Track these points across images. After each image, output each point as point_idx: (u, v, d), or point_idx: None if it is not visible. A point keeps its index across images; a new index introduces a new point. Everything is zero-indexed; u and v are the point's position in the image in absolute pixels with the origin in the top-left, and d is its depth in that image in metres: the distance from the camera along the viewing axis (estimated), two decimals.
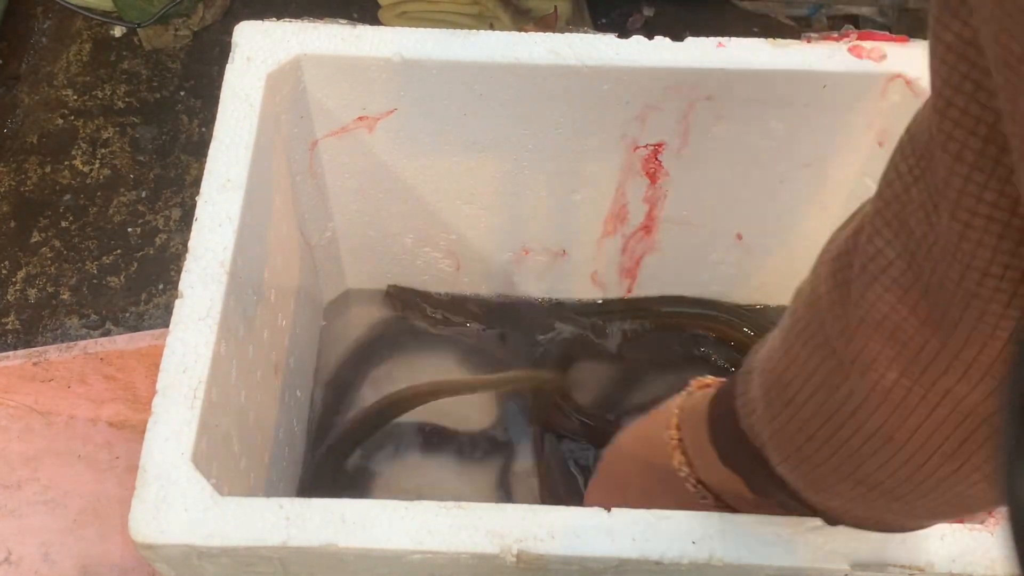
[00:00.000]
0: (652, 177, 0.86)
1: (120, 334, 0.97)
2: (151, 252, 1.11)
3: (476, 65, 0.75)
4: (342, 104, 0.79)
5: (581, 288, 0.99)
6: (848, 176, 0.84)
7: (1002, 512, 0.49)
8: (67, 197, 1.14)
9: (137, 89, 1.23)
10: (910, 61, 0.75)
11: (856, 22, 1.23)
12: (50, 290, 1.08)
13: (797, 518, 0.57)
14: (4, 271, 1.09)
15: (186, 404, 0.60)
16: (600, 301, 0.99)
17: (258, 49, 0.74)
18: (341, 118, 0.81)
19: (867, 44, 0.75)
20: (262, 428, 0.76)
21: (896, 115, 0.77)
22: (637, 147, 0.83)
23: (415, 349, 0.98)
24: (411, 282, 1.00)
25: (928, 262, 0.34)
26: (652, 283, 0.98)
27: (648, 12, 1.24)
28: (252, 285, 0.71)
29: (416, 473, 0.91)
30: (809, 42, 0.76)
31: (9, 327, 1.06)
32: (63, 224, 1.12)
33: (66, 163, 1.17)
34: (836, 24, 1.23)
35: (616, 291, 0.99)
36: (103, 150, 1.18)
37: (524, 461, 0.91)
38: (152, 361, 0.84)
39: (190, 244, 0.66)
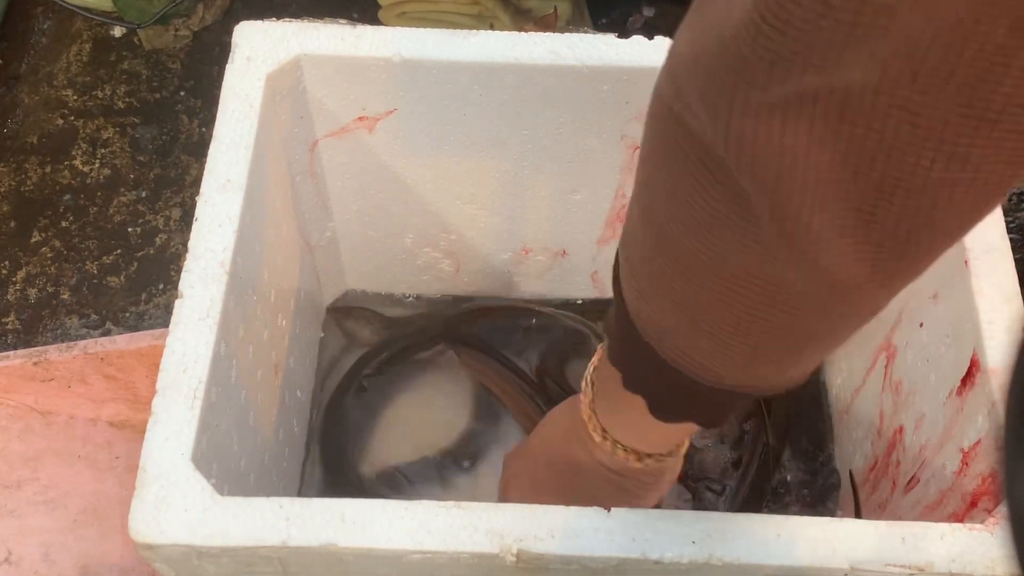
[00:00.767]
0: None
1: (120, 334, 0.97)
2: (151, 252, 1.11)
3: (476, 65, 0.75)
4: (342, 104, 0.79)
5: (581, 288, 0.99)
6: None
7: (1002, 512, 0.49)
8: (67, 197, 1.14)
9: (137, 89, 1.23)
10: None
11: None
12: (50, 290, 1.08)
13: (797, 518, 0.57)
14: (4, 271, 1.09)
15: (186, 404, 0.60)
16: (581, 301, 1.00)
17: (258, 49, 0.74)
18: (341, 118, 0.81)
19: None
20: (262, 428, 0.76)
21: None
22: (637, 147, 0.83)
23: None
24: (411, 282, 0.99)
25: None
26: None
27: (648, 12, 1.24)
28: (252, 285, 0.71)
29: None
30: None
31: (9, 327, 1.06)
32: (63, 224, 1.12)
33: (66, 163, 1.17)
34: None
35: None
36: (103, 150, 1.18)
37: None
38: (152, 361, 0.84)
39: (190, 244, 0.66)
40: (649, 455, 0.57)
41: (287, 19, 0.76)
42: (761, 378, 0.44)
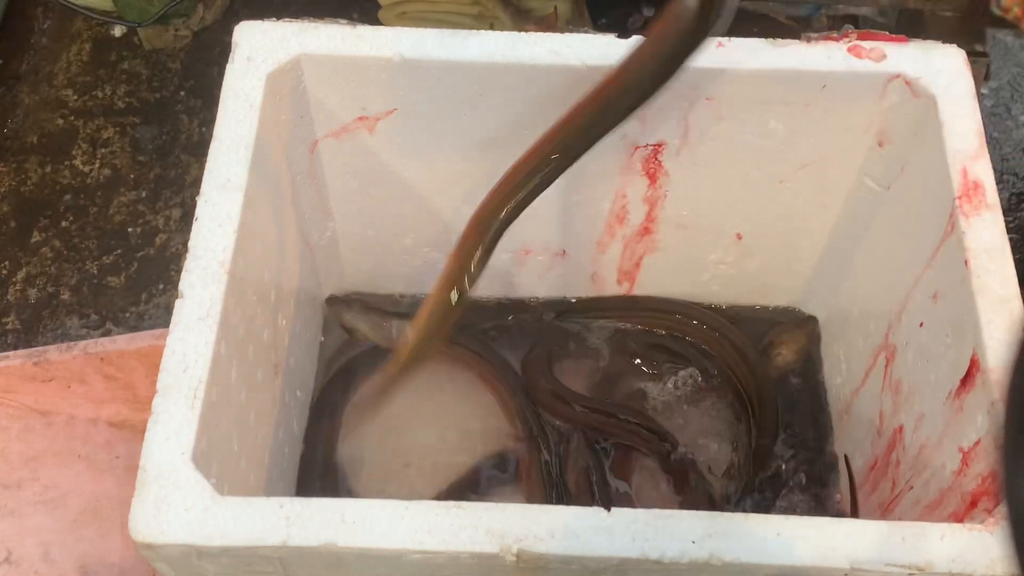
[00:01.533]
0: (652, 177, 0.86)
1: (120, 334, 0.97)
2: (151, 252, 1.11)
3: (476, 65, 0.75)
4: (342, 104, 0.79)
5: (581, 288, 0.98)
6: (848, 176, 0.84)
7: (1002, 512, 0.49)
8: (67, 197, 1.14)
9: (137, 89, 1.23)
10: (910, 61, 0.75)
11: (856, 22, 1.22)
12: (50, 290, 1.08)
13: (797, 518, 0.57)
14: (4, 271, 1.09)
15: (186, 404, 0.60)
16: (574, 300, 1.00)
17: (258, 49, 0.74)
18: (341, 118, 0.81)
19: (867, 44, 0.75)
20: (262, 428, 0.76)
21: (896, 115, 0.77)
22: (637, 147, 0.83)
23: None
24: (411, 282, 0.99)
25: None
26: (652, 283, 0.98)
27: (648, 12, 1.24)
28: (252, 285, 0.71)
29: None
30: (809, 42, 0.75)
31: (9, 327, 1.06)
32: (63, 224, 1.12)
33: (66, 163, 1.17)
34: (836, 24, 1.22)
35: (616, 291, 0.99)
36: (103, 150, 1.18)
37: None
38: (152, 361, 0.84)
39: (190, 244, 0.66)
40: None
41: (287, 19, 0.76)
42: None
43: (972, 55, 0.80)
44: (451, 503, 0.57)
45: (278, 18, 0.76)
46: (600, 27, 1.22)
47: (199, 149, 1.17)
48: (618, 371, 0.96)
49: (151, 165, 1.16)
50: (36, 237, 1.11)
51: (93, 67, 1.24)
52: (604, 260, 0.95)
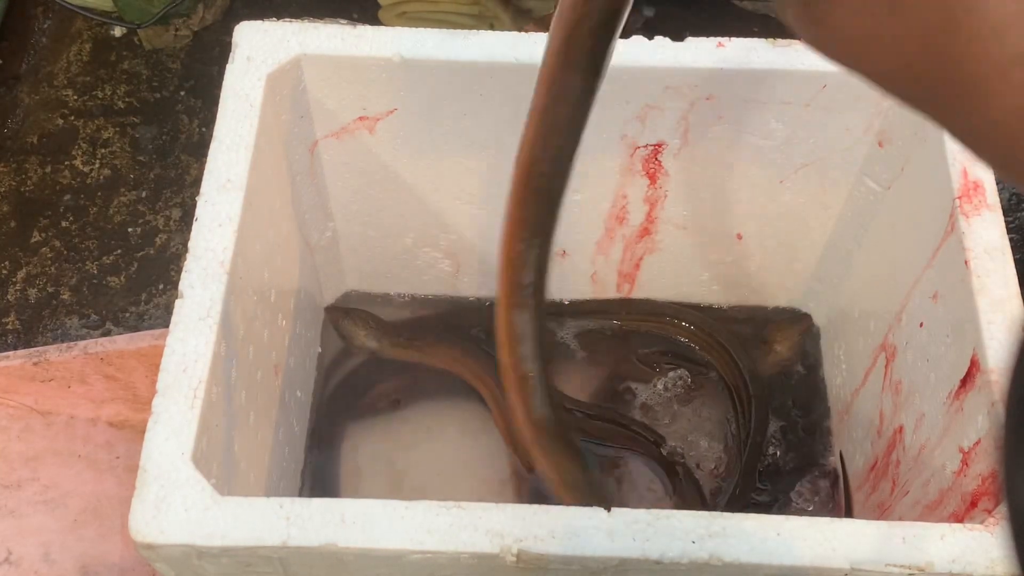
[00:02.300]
0: (652, 177, 0.86)
1: (120, 334, 0.97)
2: (151, 252, 1.11)
3: (476, 65, 0.75)
4: (342, 104, 0.79)
5: (581, 288, 0.98)
6: (848, 176, 0.84)
7: (1002, 512, 0.49)
8: (67, 197, 1.14)
9: (137, 89, 1.23)
10: None
11: None
12: (50, 290, 1.08)
13: (797, 518, 0.57)
14: (4, 271, 1.09)
15: (186, 404, 0.60)
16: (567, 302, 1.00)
17: (258, 49, 0.74)
18: (341, 118, 0.81)
19: None
20: (262, 428, 0.76)
21: (896, 115, 0.77)
22: (637, 147, 0.83)
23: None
24: (411, 282, 0.99)
25: None
26: (652, 283, 0.98)
27: (648, 12, 1.24)
28: (252, 285, 0.71)
29: None
30: None
31: (9, 327, 1.06)
32: (63, 224, 1.12)
33: (66, 163, 1.17)
34: None
35: (616, 291, 0.99)
36: (103, 150, 1.18)
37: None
38: (152, 361, 0.84)
39: (190, 244, 0.66)
40: None
41: (287, 19, 0.76)
42: None
43: None
44: (451, 503, 0.57)
45: (278, 18, 0.76)
46: None
47: (199, 149, 1.17)
48: (607, 373, 0.96)
49: (151, 165, 1.16)
50: (36, 237, 1.11)
51: (93, 67, 1.24)
52: (604, 260, 0.95)
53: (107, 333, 1.05)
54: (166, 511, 0.56)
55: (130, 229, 1.12)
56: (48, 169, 1.16)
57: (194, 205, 0.67)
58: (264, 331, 0.75)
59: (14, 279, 1.09)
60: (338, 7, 1.22)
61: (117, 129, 1.20)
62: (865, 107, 0.77)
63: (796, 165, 0.84)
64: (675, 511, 0.57)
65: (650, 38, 0.75)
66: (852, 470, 0.88)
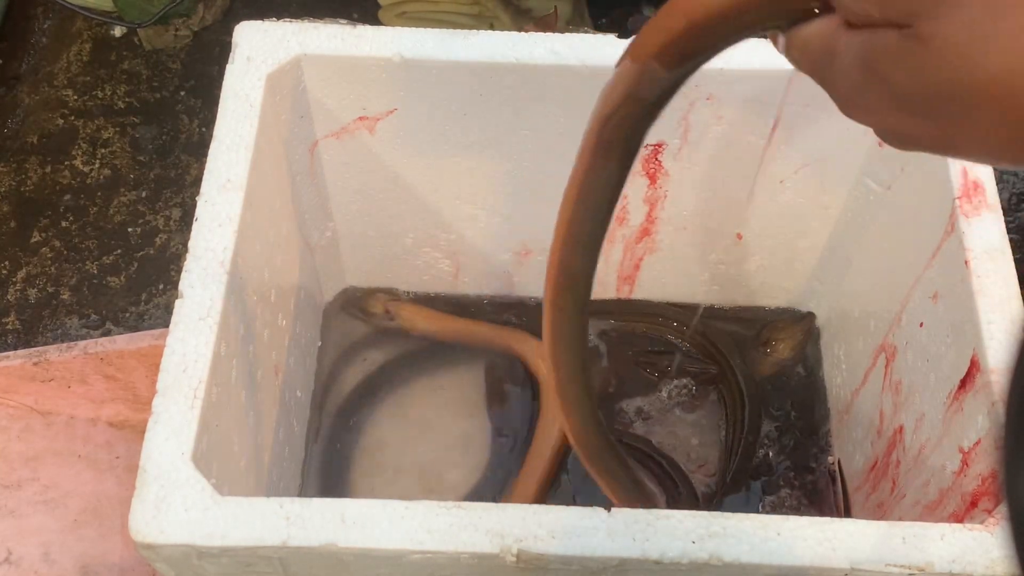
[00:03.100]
0: (652, 177, 0.86)
1: (120, 334, 0.97)
2: (151, 252, 1.11)
3: (476, 65, 0.75)
4: (342, 104, 0.79)
5: None
6: (848, 176, 0.84)
7: (1002, 512, 0.49)
8: (67, 197, 1.14)
9: (137, 89, 1.23)
10: None
11: None
12: (50, 290, 1.08)
13: (797, 518, 0.57)
14: (4, 271, 1.09)
15: (186, 404, 0.60)
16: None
17: (258, 49, 0.74)
18: (341, 118, 0.81)
19: None
20: (262, 428, 0.76)
21: None
22: None
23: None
24: (411, 282, 0.99)
25: None
26: (652, 284, 0.98)
27: (648, 12, 1.24)
28: (252, 285, 0.71)
29: None
30: None
31: (9, 327, 1.06)
32: (63, 224, 1.12)
33: (66, 163, 1.17)
34: None
35: (616, 293, 0.99)
36: (103, 150, 1.18)
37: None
38: (152, 361, 0.84)
39: (190, 244, 0.66)
40: None
41: (287, 19, 0.76)
42: None
43: None
44: (451, 503, 0.57)
45: (278, 18, 0.76)
46: (600, 27, 1.21)
47: (199, 149, 1.17)
48: (601, 375, 0.96)
49: (151, 165, 1.16)
50: (36, 237, 1.11)
51: (93, 67, 1.24)
52: (604, 261, 0.95)
53: (107, 333, 1.05)
54: (166, 511, 0.56)
55: (130, 229, 1.12)
56: (48, 169, 1.16)
57: (194, 205, 0.67)
58: (264, 331, 0.75)
59: (14, 279, 1.09)
60: (338, 7, 1.22)
61: (117, 129, 1.20)
62: None
63: (796, 165, 0.84)
64: (675, 511, 0.57)
65: None
66: (852, 470, 0.88)
